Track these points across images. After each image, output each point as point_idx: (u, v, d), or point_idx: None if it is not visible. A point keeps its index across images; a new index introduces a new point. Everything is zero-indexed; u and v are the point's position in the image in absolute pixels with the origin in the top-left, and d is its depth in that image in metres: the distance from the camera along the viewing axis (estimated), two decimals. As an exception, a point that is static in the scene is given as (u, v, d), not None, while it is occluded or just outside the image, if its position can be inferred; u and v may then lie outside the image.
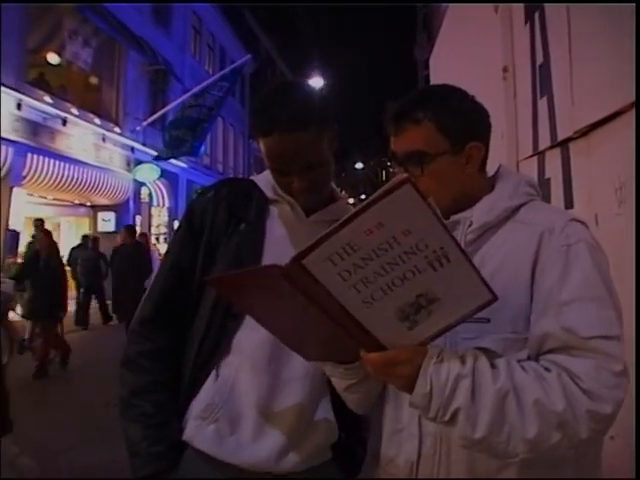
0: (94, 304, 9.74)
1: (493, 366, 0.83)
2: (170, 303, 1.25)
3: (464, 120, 1.00)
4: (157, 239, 14.05)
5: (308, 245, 0.69)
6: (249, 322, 1.15)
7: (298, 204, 1.21)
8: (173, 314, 1.25)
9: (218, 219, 1.23)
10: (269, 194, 1.25)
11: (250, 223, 1.22)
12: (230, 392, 1.18)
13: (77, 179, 11.39)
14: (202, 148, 13.28)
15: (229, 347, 1.20)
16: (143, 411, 1.19)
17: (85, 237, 10.37)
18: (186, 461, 1.18)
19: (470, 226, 0.98)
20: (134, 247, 8.34)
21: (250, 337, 1.17)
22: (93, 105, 12.28)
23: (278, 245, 1.20)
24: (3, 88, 8.80)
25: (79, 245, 10.13)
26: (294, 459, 1.18)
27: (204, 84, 12.36)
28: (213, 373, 1.20)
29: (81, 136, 11.36)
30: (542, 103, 2.14)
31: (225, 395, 1.18)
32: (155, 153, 12.85)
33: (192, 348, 1.22)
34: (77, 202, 12.99)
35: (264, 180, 1.27)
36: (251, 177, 1.34)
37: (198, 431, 1.17)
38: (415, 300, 0.75)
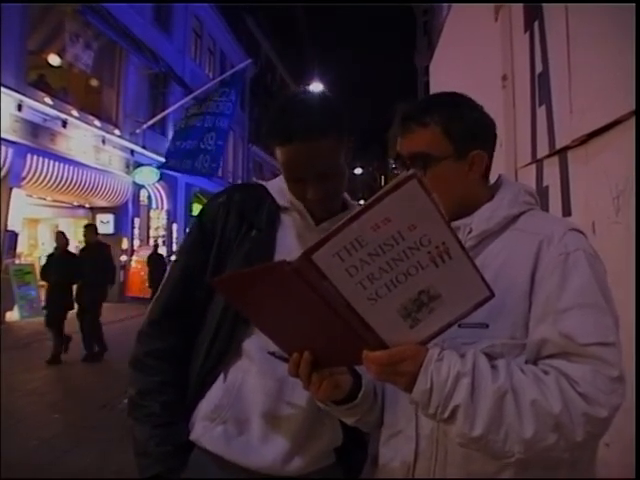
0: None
1: (493, 366, 0.84)
2: (179, 306, 1.25)
3: (470, 128, 1.01)
4: (156, 242, 14.02)
5: (318, 240, 0.71)
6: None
7: (311, 212, 1.21)
8: (182, 316, 1.25)
9: (229, 224, 1.24)
10: (280, 201, 1.25)
11: (260, 230, 1.22)
12: (237, 394, 1.18)
13: (76, 181, 11.38)
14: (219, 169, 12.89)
15: (238, 352, 1.20)
16: (151, 411, 1.19)
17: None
18: (194, 461, 1.19)
19: (470, 233, 0.99)
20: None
21: (258, 343, 1.18)
22: (93, 107, 12.30)
23: (288, 253, 1.18)
24: (4, 89, 8.81)
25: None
26: (299, 463, 1.19)
27: (204, 88, 12.35)
28: (221, 375, 1.21)
29: (81, 138, 11.36)
30: (541, 111, 2.16)
31: (233, 397, 1.18)
32: (154, 155, 12.83)
33: (201, 351, 1.23)
34: (76, 204, 12.99)
35: (276, 187, 1.27)
36: (263, 182, 1.33)
37: (206, 431, 1.18)
38: (417, 297, 0.76)
